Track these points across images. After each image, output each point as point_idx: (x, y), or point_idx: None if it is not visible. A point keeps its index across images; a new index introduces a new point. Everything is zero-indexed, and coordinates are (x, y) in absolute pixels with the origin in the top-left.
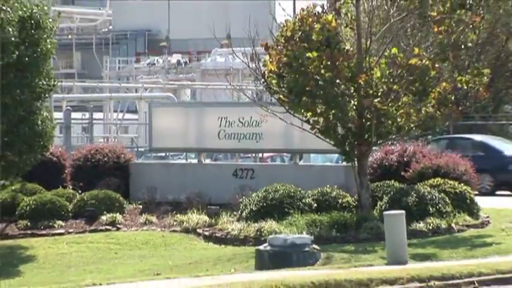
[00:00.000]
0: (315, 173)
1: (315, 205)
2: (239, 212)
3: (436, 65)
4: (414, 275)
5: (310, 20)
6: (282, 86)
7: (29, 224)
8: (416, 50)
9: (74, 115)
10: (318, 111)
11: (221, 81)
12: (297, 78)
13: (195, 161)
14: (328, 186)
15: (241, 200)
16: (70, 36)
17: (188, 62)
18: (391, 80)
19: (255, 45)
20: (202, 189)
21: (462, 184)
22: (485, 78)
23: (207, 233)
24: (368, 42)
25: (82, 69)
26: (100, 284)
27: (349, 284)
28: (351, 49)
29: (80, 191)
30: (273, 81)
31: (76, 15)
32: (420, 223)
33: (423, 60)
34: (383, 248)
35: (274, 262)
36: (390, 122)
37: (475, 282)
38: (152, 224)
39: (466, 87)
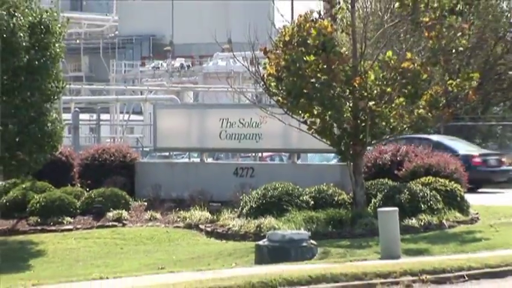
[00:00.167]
0: (312, 171)
1: (312, 202)
2: (239, 208)
3: (428, 69)
4: (407, 269)
5: (307, 25)
6: (280, 88)
7: (39, 220)
8: (409, 54)
9: (82, 116)
10: (315, 112)
11: (222, 84)
12: (295, 81)
13: (198, 160)
14: (324, 184)
15: (241, 197)
16: (78, 41)
17: (191, 65)
18: (385, 82)
19: (255, 49)
20: (205, 187)
21: (452, 182)
22: (475, 82)
23: (209, 229)
24: (363, 47)
25: (90, 73)
26: (107, 278)
27: (345, 278)
28: (347, 53)
29: (87, 189)
30: (272, 84)
31: (83, 21)
32: (412, 219)
33: (415, 64)
34: (377, 243)
35: (273, 257)
36: (384, 123)
37: (465, 276)
38: (157, 220)
39: (456, 91)
